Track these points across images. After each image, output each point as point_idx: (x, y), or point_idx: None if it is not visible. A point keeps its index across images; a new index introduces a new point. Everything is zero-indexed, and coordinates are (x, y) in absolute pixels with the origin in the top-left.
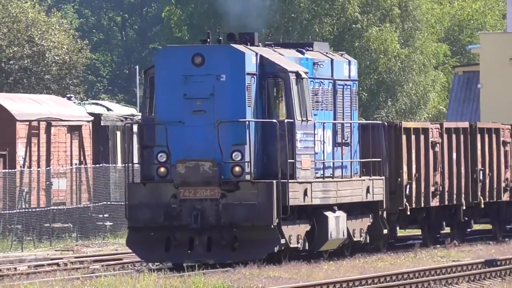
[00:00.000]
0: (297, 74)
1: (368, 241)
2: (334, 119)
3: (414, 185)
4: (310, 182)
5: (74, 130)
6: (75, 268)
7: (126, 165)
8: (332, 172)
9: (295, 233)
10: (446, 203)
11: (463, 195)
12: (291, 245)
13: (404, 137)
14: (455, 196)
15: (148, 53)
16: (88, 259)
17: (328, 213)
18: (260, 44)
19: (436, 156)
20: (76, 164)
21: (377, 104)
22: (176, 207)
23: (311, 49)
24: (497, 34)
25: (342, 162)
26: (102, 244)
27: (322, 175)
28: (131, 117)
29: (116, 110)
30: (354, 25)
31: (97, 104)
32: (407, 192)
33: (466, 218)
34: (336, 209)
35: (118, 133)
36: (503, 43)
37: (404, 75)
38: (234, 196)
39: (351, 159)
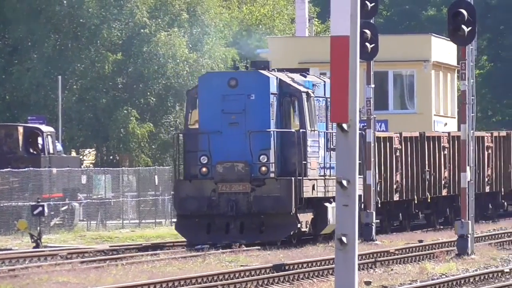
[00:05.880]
0: (307, 94)
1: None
2: (326, 129)
3: (382, 184)
4: (316, 179)
5: None
6: None
7: (174, 166)
8: (326, 172)
9: (305, 220)
10: (404, 198)
11: (415, 192)
12: (302, 229)
13: (377, 144)
14: (409, 192)
15: None
16: None
17: (327, 204)
18: (275, 69)
19: (398, 159)
20: None
21: (165, 109)
22: (215, 199)
23: (308, 73)
24: (286, 38)
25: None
26: None
27: (320, 174)
28: None
29: None
30: (142, 30)
31: None
32: (378, 189)
33: (416, 211)
34: (332, 201)
35: None
36: (291, 47)
37: (192, 79)
38: (262, 190)
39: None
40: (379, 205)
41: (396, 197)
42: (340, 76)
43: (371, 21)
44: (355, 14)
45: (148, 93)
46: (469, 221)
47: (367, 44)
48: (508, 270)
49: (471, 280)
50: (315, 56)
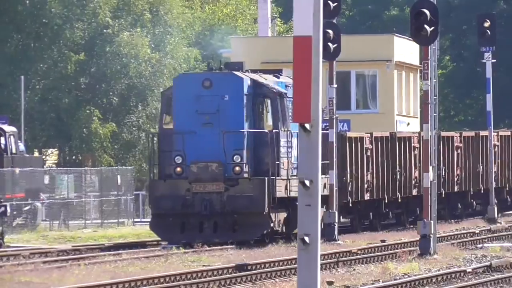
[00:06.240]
0: (280, 94)
1: (322, 227)
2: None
3: (353, 183)
4: (289, 179)
5: None
6: None
7: (149, 166)
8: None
9: (278, 219)
10: (375, 197)
11: (386, 191)
12: (275, 229)
13: (347, 144)
14: (380, 192)
15: None
16: None
17: None
18: (249, 70)
19: (368, 159)
20: None
21: (128, 109)
22: (189, 198)
23: (282, 74)
24: (248, 38)
25: None
26: None
27: (292, 174)
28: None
29: None
30: (105, 30)
31: None
32: (349, 189)
33: (387, 210)
34: None
35: None
36: (254, 47)
37: (155, 79)
38: (235, 190)
39: None
40: (350, 205)
41: (367, 197)
42: (302, 76)
43: (334, 21)
44: (317, 14)
45: (111, 93)
46: (432, 221)
47: (330, 44)
48: (470, 270)
49: (433, 280)
50: (278, 56)
